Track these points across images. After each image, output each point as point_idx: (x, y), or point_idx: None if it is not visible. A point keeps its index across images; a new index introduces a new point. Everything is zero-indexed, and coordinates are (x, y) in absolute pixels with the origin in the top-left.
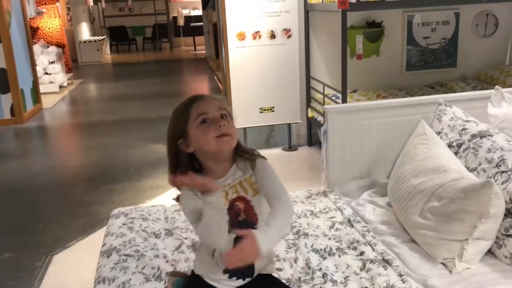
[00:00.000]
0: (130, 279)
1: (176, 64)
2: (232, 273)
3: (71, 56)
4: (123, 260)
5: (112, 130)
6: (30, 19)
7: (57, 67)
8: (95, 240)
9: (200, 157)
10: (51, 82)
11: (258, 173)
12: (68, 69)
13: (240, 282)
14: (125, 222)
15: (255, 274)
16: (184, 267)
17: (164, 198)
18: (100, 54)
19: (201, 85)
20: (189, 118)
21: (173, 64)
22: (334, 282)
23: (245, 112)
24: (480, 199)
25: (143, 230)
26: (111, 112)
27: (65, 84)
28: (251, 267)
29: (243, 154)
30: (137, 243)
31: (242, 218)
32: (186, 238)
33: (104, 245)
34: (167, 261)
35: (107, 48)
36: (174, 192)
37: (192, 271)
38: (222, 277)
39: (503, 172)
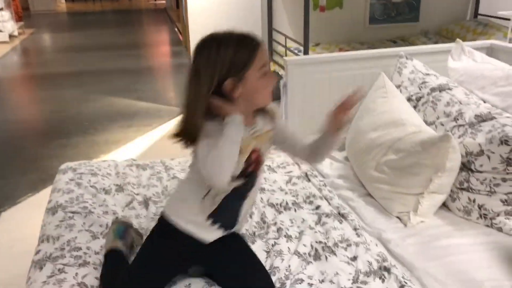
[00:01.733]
0: (76, 237)
1: (135, 14)
2: (216, 220)
3: (22, 4)
4: (69, 217)
5: (67, 83)
6: None
7: (6, 14)
8: (46, 197)
9: (237, 104)
10: (0, 31)
11: (278, 125)
12: (18, 18)
13: (221, 232)
14: (73, 178)
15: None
16: (134, 223)
17: (120, 153)
18: (54, 2)
19: (161, 37)
20: (252, 66)
21: (131, 15)
22: (288, 237)
23: None
24: (438, 152)
25: (91, 186)
26: (66, 64)
27: (16, 33)
28: (234, 218)
29: (265, 108)
30: (85, 200)
31: (251, 170)
32: (137, 194)
33: (49, 202)
34: (116, 218)
35: None
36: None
37: (161, 222)
38: (205, 224)
39: (460, 126)
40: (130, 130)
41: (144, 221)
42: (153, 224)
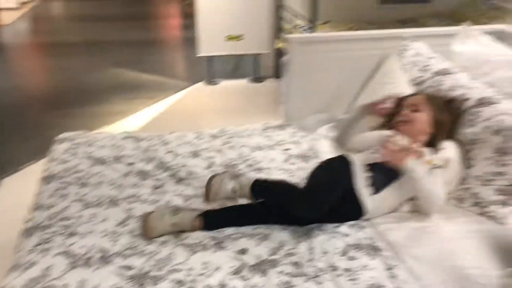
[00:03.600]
0: (68, 206)
1: None
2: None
3: None
4: (63, 187)
5: (74, 52)
6: None
7: None
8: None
9: None
10: None
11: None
12: None
13: None
14: (69, 148)
15: None
16: (131, 193)
17: (122, 124)
18: None
19: (170, 9)
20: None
21: None
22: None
23: (211, 39)
24: None
25: (87, 157)
26: (75, 33)
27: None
28: None
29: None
30: (80, 169)
31: None
32: (133, 164)
33: (45, 171)
34: (112, 188)
35: None
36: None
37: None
38: None
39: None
40: (134, 102)
41: (142, 192)
42: (153, 197)
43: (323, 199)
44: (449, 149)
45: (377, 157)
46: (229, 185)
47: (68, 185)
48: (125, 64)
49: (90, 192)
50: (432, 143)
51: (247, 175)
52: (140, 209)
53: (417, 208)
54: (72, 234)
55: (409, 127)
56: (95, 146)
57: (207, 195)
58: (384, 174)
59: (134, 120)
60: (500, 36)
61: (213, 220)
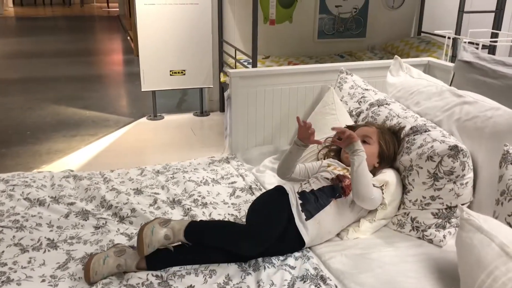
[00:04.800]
0: (3, 252)
1: (86, 21)
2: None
3: None
4: None
5: (10, 89)
6: None
7: None
8: None
9: None
10: None
11: None
12: None
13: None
14: (5, 190)
15: None
16: (72, 234)
17: (63, 162)
18: (0, 6)
19: (112, 45)
20: None
21: (83, 21)
22: None
23: (155, 74)
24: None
25: (25, 198)
26: (11, 70)
27: None
28: None
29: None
30: (17, 212)
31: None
32: (73, 204)
33: None
34: (51, 230)
35: (9, 0)
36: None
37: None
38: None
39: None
40: (75, 140)
41: (83, 232)
42: (95, 237)
43: (265, 234)
44: (388, 174)
45: (307, 186)
46: (161, 233)
47: (3, 229)
48: (66, 101)
49: (28, 236)
50: (372, 172)
51: (176, 219)
52: (82, 250)
53: (357, 234)
54: (7, 282)
55: None
56: (33, 187)
57: (140, 247)
58: (314, 201)
59: (75, 158)
60: (427, 68)
61: (156, 260)
